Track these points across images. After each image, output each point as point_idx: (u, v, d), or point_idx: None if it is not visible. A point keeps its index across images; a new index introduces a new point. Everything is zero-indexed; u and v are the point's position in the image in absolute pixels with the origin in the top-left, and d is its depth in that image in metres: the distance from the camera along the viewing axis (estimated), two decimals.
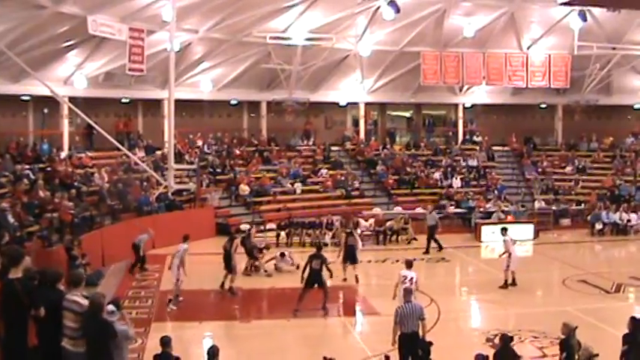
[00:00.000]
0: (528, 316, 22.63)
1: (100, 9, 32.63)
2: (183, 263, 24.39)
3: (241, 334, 21.94)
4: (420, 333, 16.51)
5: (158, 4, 33.94)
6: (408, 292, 17.25)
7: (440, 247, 34.74)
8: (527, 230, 38.64)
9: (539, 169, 48.63)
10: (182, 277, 24.23)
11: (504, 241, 27.66)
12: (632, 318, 15.45)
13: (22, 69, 31.25)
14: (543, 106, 52.92)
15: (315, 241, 33.58)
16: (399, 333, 16.41)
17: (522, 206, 42.30)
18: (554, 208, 43.09)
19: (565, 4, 31.20)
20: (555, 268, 32.31)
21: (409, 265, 21.18)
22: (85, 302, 11.64)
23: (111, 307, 12.61)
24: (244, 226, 33.50)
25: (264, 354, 19.88)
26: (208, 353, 14.27)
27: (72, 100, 36.20)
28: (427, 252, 34.08)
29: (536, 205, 43.32)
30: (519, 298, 25.42)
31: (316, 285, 23.48)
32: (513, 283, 26.63)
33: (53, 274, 12.22)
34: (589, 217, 41.06)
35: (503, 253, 27.39)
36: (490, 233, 37.66)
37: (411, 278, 20.24)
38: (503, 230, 28.55)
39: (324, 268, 24.13)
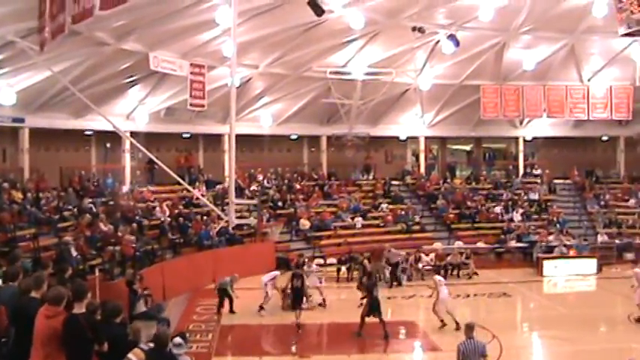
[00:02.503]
0: (592, 353, 22.23)
1: (161, 45, 33.09)
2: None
3: None
4: None
5: (219, 40, 34.29)
6: (470, 328, 16.84)
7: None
8: (589, 265, 38.05)
9: (602, 202, 48.08)
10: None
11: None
12: None
13: (85, 104, 31.64)
14: (605, 138, 52.45)
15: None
16: None
17: (585, 240, 41.65)
18: (617, 241, 42.44)
19: (626, 35, 30.77)
20: (619, 304, 31.71)
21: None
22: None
23: (178, 340, 12.69)
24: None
25: None
26: None
27: (134, 134, 36.60)
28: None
29: (599, 238, 42.71)
30: (582, 335, 24.97)
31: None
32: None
33: (114, 308, 12.32)
34: None
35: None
36: (552, 268, 37.27)
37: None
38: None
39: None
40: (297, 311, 26.34)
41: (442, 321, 25.61)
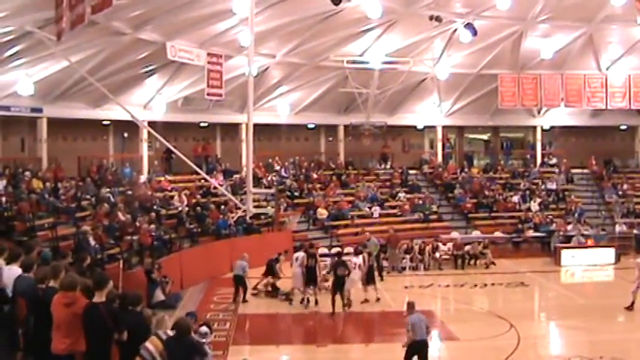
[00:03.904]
0: (610, 343, 22.11)
1: (178, 35, 33.07)
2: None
3: (318, 357, 21.92)
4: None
5: (236, 30, 34.25)
6: (411, 306, 19.12)
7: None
8: (608, 254, 37.99)
9: (620, 192, 47.78)
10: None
11: None
12: None
13: (102, 94, 31.80)
14: (623, 127, 52.17)
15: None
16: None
17: (603, 230, 41.53)
18: (635, 231, 42.26)
19: None
20: (637, 294, 31.68)
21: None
22: (152, 348, 11.83)
23: (204, 329, 12.79)
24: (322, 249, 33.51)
25: None
26: None
27: (151, 124, 36.73)
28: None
29: (617, 228, 42.53)
30: (601, 324, 24.89)
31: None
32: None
33: (134, 297, 12.40)
34: None
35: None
36: (570, 257, 37.22)
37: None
38: None
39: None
40: (311, 288, 27.05)
41: None
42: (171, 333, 12.13)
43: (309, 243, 33.15)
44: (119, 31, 30.70)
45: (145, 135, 40.16)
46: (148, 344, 11.90)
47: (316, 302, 26.95)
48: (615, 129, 52.11)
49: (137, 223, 31.66)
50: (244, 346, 22.76)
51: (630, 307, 25.93)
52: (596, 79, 46.24)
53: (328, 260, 32.04)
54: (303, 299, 27.25)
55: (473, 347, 22.33)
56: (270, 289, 29.49)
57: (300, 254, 27.91)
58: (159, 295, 26.33)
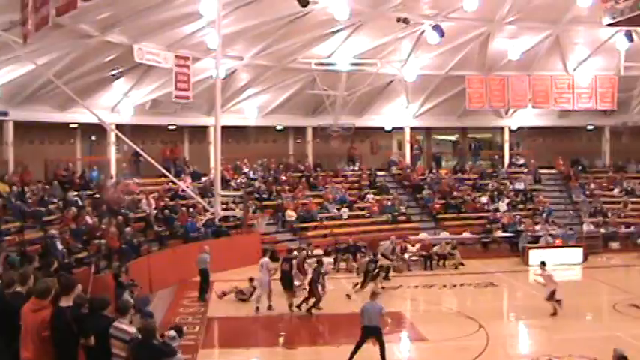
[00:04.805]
0: (579, 342, 22.31)
1: (146, 37, 33.02)
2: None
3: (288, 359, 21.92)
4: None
5: (203, 32, 34.23)
6: (374, 294, 21.21)
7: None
8: (575, 254, 38.25)
9: (587, 192, 48.16)
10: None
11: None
12: None
13: (69, 97, 31.59)
14: (590, 128, 52.58)
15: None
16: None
17: (570, 229, 41.77)
18: (602, 231, 42.62)
19: (611, 25, 30.84)
20: (605, 292, 31.93)
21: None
22: (133, 330, 11.68)
23: (172, 333, 12.67)
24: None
25: None
26: None
27: (119, 127, 36.52)
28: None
29: (585, 228, 42.87)
30: (569, 323, 25.09)
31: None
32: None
33: (101, 301, 12.29)
34: (638, 240, 40.57)
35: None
36: (538, 257, 37.38)
37: None
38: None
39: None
40: (288, 293, 26.88)
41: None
42: (131, 328, 11.94)
43: (274, 248, 33.29)
44: (86, 33, 30.57)
45: (112, 138, 39.97)
46: (125, 326, 11.78)
47: (290, 306, 26.80)
48: (582, 129, 52.53)
49: (103, 226, 31.47)
50: (214, 349, 22.71)
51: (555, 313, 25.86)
52: (563, 80, 46.61)
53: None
54: (269, 306, 27.10)
55: (442, 348, 22.42)
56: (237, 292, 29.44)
57: (265, 260, 27.80)
58: (127, 299, 26.20)
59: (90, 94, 36.19)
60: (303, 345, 23.44)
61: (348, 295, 28.85)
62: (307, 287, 27.32)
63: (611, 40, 42.38)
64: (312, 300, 26.59)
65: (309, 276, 27.57)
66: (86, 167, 40.71)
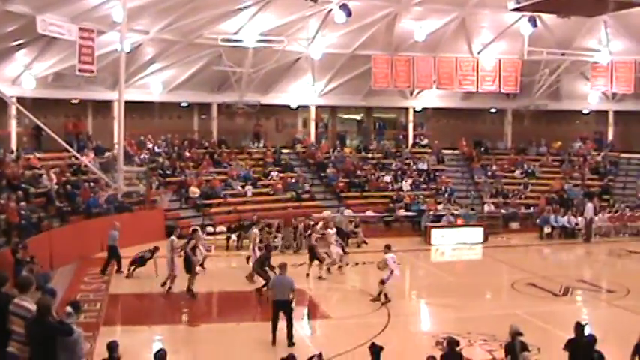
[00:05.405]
0: (478, 320, 22.66)
1: (49, 8, 32.38)
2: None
3: (190, 338, 21.78)
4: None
5: (108, 5, 33.77)
6: (283, 267, 20.85)
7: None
8: (476, 233, 38.92)
9: (489, 173, 48.99)
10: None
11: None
12: (577, 323, 15.58)
13: None
14: (493, 110, 53.49)
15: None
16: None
17: (472, 209, 42.42)
18: (503, 211, 43.39)
19: (515, 10, 31.43)
20: (504, 272, 32.53)
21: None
22: (34, 307, 11.48)
23: (69, 309, 12.47)
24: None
25: (213, 358, 19.83)
26: (155, 357, 14.16)
27: (20, 100, 35.94)
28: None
29: (486, 208, 43.64)
30: (469, 302, 25.53)
31: None
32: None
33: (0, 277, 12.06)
34: (538, 221, 41.38)
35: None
36: (440, 236, 37.94)
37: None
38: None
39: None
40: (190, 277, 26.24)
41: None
42: (32, 305, 11.75)
43: (176, 225, 33.02)
44: None
45: (13, 111, 39.13)
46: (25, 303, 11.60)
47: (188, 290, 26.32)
48: (485, 111, 53.42)
49: (3, 202, 30.85)
50: (116, 326, 22.50)
51: (377, 298, 25.08)
52: (468, 63, 47.35)
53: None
54: (168, 287, 26.52)
55: (344, 325, 22.60)
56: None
57: (172, 238, 26.94)
58: (28, 276, 25.78)
59: None
60: (205, 322, 23.35)
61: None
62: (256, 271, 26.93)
63: (515, 25, 43.23)
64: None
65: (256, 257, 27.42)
66: None
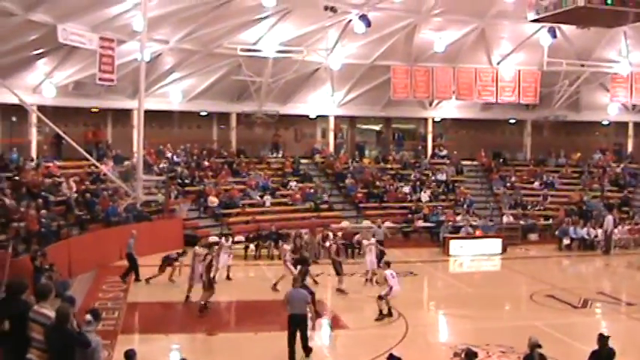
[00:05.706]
0: (497, 331, 22.56)
1: (70, 18, 32.55)
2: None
3: (208, 347, 21.77)
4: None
5: (129, 14, 33.89)
6: (297, 281, 20.62)
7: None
8: (495, 245, 38.78)
9: (508, 184, 48.92)
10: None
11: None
12: (600, 335, 15.48)
13: None
14: (512, 121, 53.37)
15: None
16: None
17: (490, 221, 42.34)
18: (522, 222, 43.27)
19: (535, 20, 31.32)
20: (523, 283, 32.35)
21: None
22: (53, 314, 11.50)
23: (88, 317, 12.47)
24: (213, 238, 33.08)
25: None
26: None
27: (41, 108, 36.06)
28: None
29: (505, 219, 43.46)
30: (488, 313, 25.43)
31: None
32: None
33: (19, 285, 12.10)
34: (557, 232, 41.24)
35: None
36: (458, 247, 37.82)
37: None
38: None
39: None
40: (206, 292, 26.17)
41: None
42: (51, 313, 11.77)
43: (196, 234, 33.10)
44: (9, 11, 29.99)
45: (34, 120, 39.37)
46: (45, 310, 11.61)
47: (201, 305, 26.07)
48: (504, 122, 53.32)
49: (21, 209, 30.94)
50: (134, 334, 22.51)
51: (380, 318, 24.15)
52: (487, 74, 47.26)
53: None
54: (186, 296, 26.32)
55: (362, 335, 22.51)
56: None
57: (195, 248, 26.93)
58: (47, 283, 25.84)
59: (11, 74, 35.60)
60: (223, 331, 23.33)
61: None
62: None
63: (535, 36, 43.16)
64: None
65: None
66: (6, 149, 39.97)
